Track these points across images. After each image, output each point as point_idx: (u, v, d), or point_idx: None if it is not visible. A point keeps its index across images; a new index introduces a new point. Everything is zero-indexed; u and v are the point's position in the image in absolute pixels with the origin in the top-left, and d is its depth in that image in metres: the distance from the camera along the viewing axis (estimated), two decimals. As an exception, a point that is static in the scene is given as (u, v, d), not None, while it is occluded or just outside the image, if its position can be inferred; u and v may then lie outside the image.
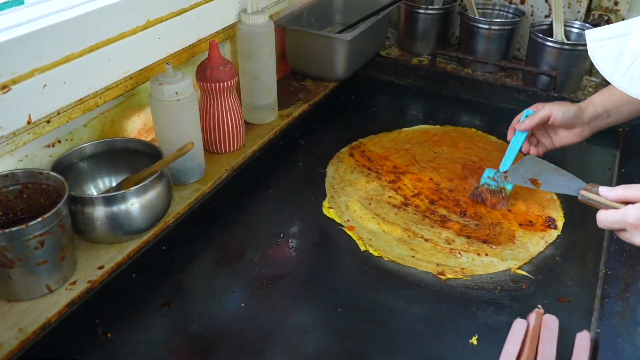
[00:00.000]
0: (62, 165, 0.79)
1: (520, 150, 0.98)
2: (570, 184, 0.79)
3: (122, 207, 0.74)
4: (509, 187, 0.97)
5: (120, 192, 0.73)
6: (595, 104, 0.96)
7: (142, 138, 0.95)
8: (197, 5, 0.88)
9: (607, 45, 0.76)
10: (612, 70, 0.76)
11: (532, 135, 1.01)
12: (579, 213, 0.94)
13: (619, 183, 1.04)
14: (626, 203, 0.70)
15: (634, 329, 0.70)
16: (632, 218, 0.67)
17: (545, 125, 0.98)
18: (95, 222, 0.73)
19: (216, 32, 0.95)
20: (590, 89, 1.30)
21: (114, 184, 0.85)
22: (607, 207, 0.72)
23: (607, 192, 0.73)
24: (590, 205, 0.76)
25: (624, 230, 0.70)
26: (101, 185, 0.85)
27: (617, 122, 0.97)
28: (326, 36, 1.21)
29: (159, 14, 0.81)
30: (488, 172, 0.99)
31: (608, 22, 1.34)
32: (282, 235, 0.89)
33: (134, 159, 0.84)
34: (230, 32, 1.02)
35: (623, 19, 1.34)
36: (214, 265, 0.84)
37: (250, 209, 0.95)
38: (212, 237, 0.89)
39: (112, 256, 0.76)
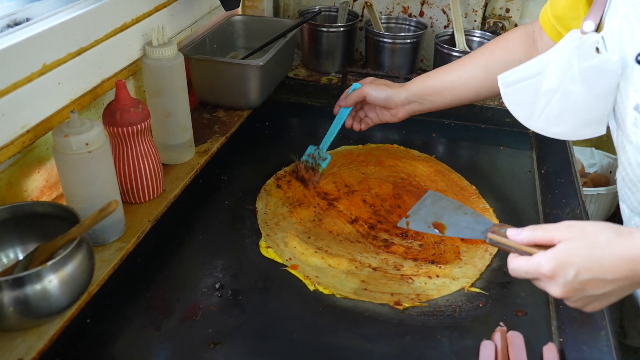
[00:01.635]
0: (-46, 244, 0.66)
1: (343, 125, 1.04)
2: (476, 225, 0.72)
3: (38, 287, 0.62)
4: (323, 164, 1.03)
5: (34, 270, 0.62)
6: (410, 89, 0.98)
7: (45, 197, 0.83)
8: (97, 42, 0.77)
9: (521, 89, 0.73)
10: (527, 114, 0.74)
11: (360, 109, 1.06)
12: (514, 221, 0.95)
13: (542, 184, 1.07)
14: (537, 245, 0.63)
15: (597, 334, 0.71)
16: (545, 269, 0.60)
17: (369, 102, 1.01)
18: (6, 310, 0.61)
19: (120, 69, 0.85)
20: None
21: (20, 257, 0.72)
22: (517, 250, 0.65)
23: (515, 236, 0.65)
24: (500, 249, 0.68)
25: (538, 279, 0.63)
26: (4, 260, 0.72)
27: (432, 110, 1.00)
28: (238, 64, 1.14)
29: (57, 56, 0.70)
30: (310, 150, 1.05)
31: (503, 28, 1.39)
32: (221, 286, 0.81)
33: (43, 225, 0.72)
34: (133, 68, 0.92)
35: (516, 25, 1.40)
36: (150, 332, 0.74)
37: (181, 261, 0.86)
38: (143, 300, 0.78)
39: (31, 345, 0.64)
